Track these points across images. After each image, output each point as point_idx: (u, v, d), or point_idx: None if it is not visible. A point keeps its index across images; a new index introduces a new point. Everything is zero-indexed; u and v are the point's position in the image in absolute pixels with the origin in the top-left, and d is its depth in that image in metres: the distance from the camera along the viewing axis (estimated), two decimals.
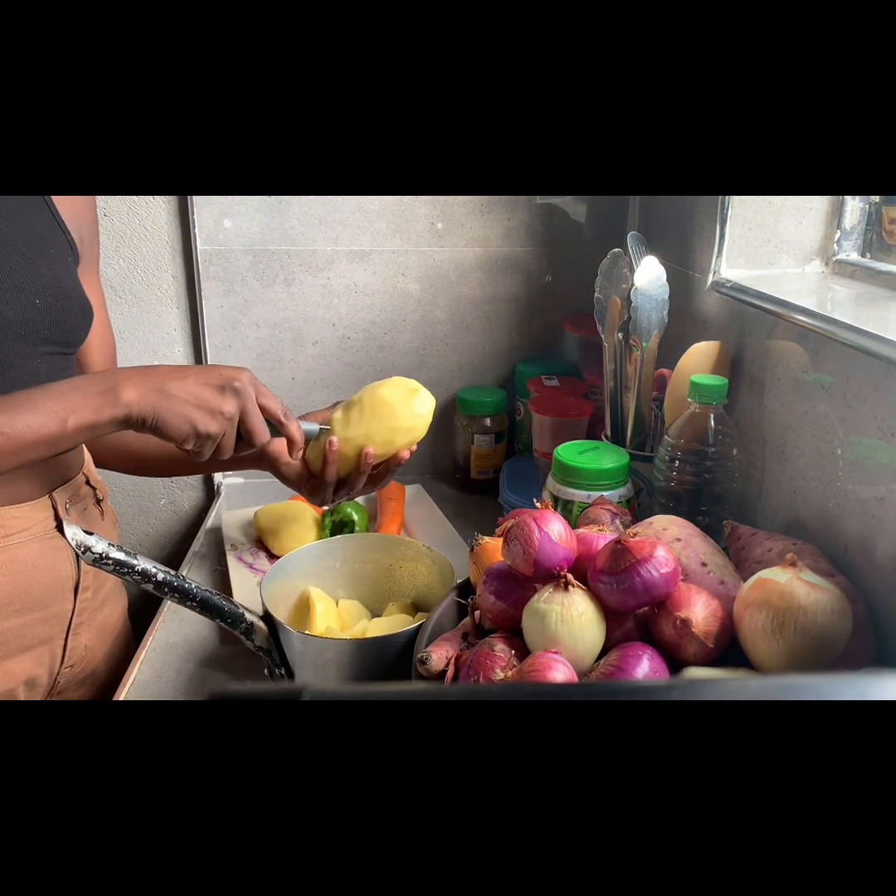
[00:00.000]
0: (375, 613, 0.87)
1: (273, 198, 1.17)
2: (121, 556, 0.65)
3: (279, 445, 0.82)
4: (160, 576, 0.67)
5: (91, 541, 0.64)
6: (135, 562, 0.66)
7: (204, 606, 0.70)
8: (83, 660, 0.89)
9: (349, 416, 0.81)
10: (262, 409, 0.73)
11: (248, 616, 0.72)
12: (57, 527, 0.83)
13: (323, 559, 0.87)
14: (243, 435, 0.73)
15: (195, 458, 0.71)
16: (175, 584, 0.68)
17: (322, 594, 0.84)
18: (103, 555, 0.65)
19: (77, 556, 0.84)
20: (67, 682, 0.88)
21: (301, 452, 0.77)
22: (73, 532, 0.64)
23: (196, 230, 1.17)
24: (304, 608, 0.84)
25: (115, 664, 0.94)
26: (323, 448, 0.80)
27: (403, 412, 0.80)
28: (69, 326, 0.81)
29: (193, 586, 0.69)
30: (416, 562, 0.87)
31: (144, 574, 0.66)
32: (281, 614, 0.77)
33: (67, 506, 0.84)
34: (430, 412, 0.82)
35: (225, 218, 1.17)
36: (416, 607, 0.87)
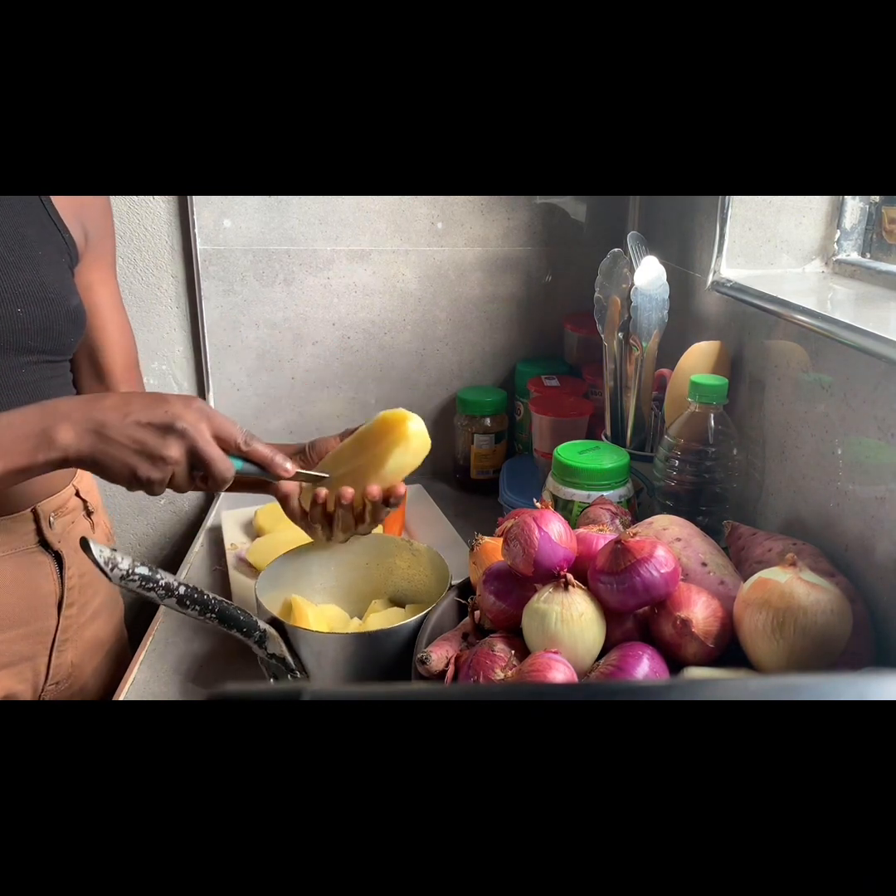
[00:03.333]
0: (354, 615, 0.87)
1: (273, 198, 1.17)
2: (145, 571, 0.65)
3: (288, 487, 0.79)
4: (181, 589, 0.67)
5: (117, 558, 0.64)
6: (158, 576, 0.66)
7: (222, 618, 0.70)
8: (70, 677, 0.87)
9: (339, 456, 0.77)
10: (220, 441, 0.66)
11: (260, 624, 0.73)
12: (39, 541, 0.81)
13: (300, 566, 0.86)
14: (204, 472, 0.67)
15: (149, 493, 0.67)
16: (195, 596, 0.68)
17: (306, 601, 0.84)
18: (129, 571, 0.64)
19: (61, 568, 0.83)
20: (53, 699, 0.86)
21: (288, 464, 0.70)
22: (100, 550, 0.63)
23: (196, 230, 1.17)
24: (286, 617, 0.83)
25: (109, 680, 0.92)
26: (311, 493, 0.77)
27: (389, 457, 0.74)
28: (55, 334, 0.78)
29: (211, 597, 0.69)
30: (394, 557, 0.87)
31: (167, 588, 0.66)
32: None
33: (51, 519, 0.82)
34: (421, 453, 0.75)
35: (225, 218, 1.17)
36: (393, 602, 0.87)
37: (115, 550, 0.64)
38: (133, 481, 0.65)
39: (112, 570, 0.63)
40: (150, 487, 0.65)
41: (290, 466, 0.71)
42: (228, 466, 0.67)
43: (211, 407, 0.68)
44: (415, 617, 0.73)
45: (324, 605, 0.86)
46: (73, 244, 0.82)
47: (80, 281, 0.85)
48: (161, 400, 0.66)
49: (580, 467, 0.85)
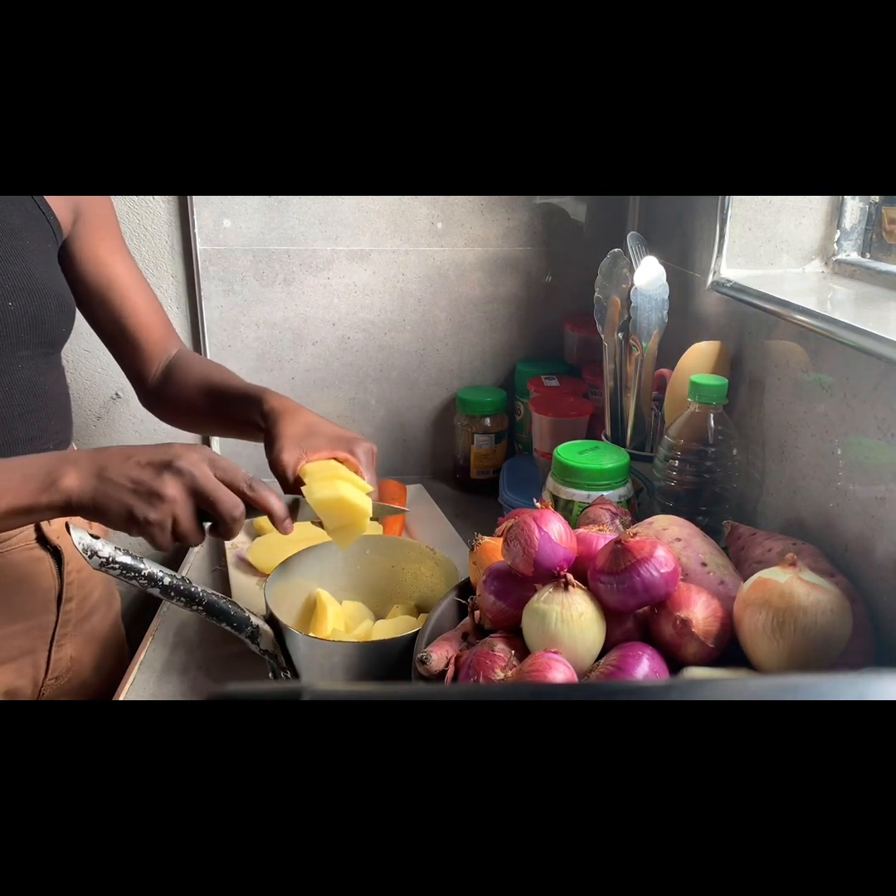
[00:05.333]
0: (379, 615, 0.87)
1: (273, 198, 1.17)
2: (127, 560, 0.64)
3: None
4: (166, 580, 0.66)
5: (97, 545, 0.63)
6: (141, 565, 0.65)
7: (210, 610, 0.70)
8: (70, 671, 0.87)
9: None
10: (226, 484, 0.64)
11: (253, 620, 0.72)
12: (38, 538, 0.82)
13: (326, 560, 0.87)
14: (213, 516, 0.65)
15: (157, 548, 0.64)
16: (181, 588, 0.67)
17: (330, 597, 0.84)
18: (110, 559, 0.64)
19: (60, 564, 0.83)
20: (54, 693, 0.86)
21: (288, 522, 0.68)
22: (80, 536, 0.63)
23: (196, 230, 1.17)
24: (309, 610, 0.84)
25: (107, 673, 0.93)
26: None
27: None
28: (48, 326, 0.78)
29: (199, 590, 0.69)
30: (419, 563, 0.87)
31: (151, 578, 0.65)
32: (285, 616, 0.77)
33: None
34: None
35: (225, 218, 1.17)
36: (419, 609, 0.87)
37: (96, 538, 0.64)
38: (131, 523, 0.62)
39: (91, 557, 0.63)
40: (151, 530, 0.62)
41: (289, 524, 0.68)
42: (235, 503, 0.64)
43: (217, 453, 0.66)
44: (410, 632, 0.73)
45: (348, 602, 0.87)
46: (58, 226, 0.81)
47: (85, 254, 0.85)
48: (166, 445, 0.65)
49: (580, 467, 0.85)
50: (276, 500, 0.67)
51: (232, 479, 0.65)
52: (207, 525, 0.66)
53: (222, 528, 0.65)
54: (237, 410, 0.83)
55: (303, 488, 0.72)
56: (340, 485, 0.72)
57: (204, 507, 0.64)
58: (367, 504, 0.73)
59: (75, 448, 0.90)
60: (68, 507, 0.63)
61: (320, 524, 0.74)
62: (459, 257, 1.24)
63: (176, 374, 0.91)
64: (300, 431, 0.76)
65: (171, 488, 0.62)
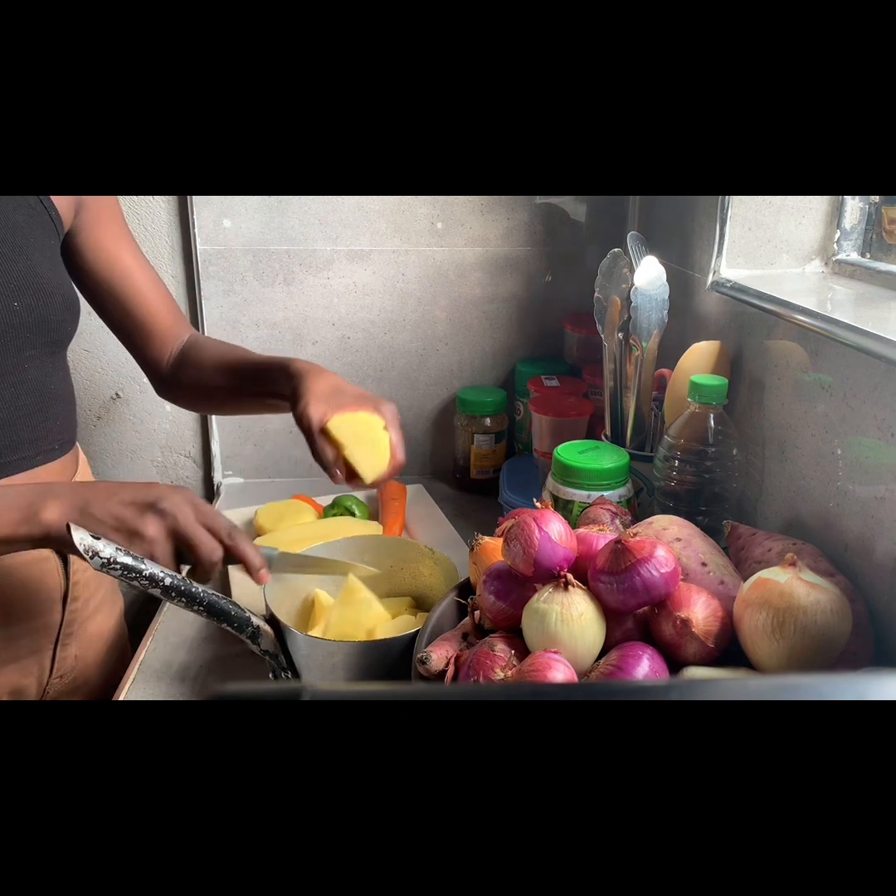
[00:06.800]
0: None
1: (273, 198, 1.17)
2: (128, 560, 0.65)
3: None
4: (167, 580, 0.66)
5: (99, 546, 0.63)
6: (142, 566, 0.65)
7: (210, 611, 0.70)
8: (74, 670, 0.88)
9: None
10: (207, 529, 0.66)
11: (254, 620, 0.72)
12: None
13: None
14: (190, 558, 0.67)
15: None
16: (182, 588, 0.67)
17: (328, 597, 0.84)
18: (111, 559, 0.64)
19: (66, 564, 0.83)
20: (58, 693, 0.86)
21: (263, 571, 0.69)
22: (81, 537, 0.63)
23: (196, 230, 1.17)
24: (308, 610, 0.84)
25: (110, 672, 0.93)
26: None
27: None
28: (54, 325, 0.78)
29: (200, 590, 0.69)
30: (419, 563, 0.87)
31: (152, 578, 0.66)
32: (284, 616, 0.77)
33: None
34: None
35: (225, 218, 1.17)
36: (419, 609, 0.87)
37: (97, 538, 0.64)
38: None
39: (92, 557, 0.63)
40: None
41: (264, 574, 0.70)
42: (214, 547, 0.66)
43: (201, 499, 0.68)
44: (410, 631, 0.72)
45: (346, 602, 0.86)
46: (60, 221, 0.81)
47: (90, 244, 0.85)
48: (152, 484, 0.66)
49: (580, 467, 0.85)
50: (253, 551, 0.69)
51: (213, 525, 0.66)
52: (186, 568, 0.68)
53: (199, 572, 0.67)
54: (261, 383, 0.84)
55: (326, 431, 0.74)
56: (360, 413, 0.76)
57: (184, 548, 0.65)
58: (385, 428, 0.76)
59: (79, 447, 0.90)
60: (47, 540, 0.64)
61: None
62: (459, 257, 1.24)
63: (192, 358, 0.91)
64: (326, 390, 0.77)
65: (152, 528, 0.63)
